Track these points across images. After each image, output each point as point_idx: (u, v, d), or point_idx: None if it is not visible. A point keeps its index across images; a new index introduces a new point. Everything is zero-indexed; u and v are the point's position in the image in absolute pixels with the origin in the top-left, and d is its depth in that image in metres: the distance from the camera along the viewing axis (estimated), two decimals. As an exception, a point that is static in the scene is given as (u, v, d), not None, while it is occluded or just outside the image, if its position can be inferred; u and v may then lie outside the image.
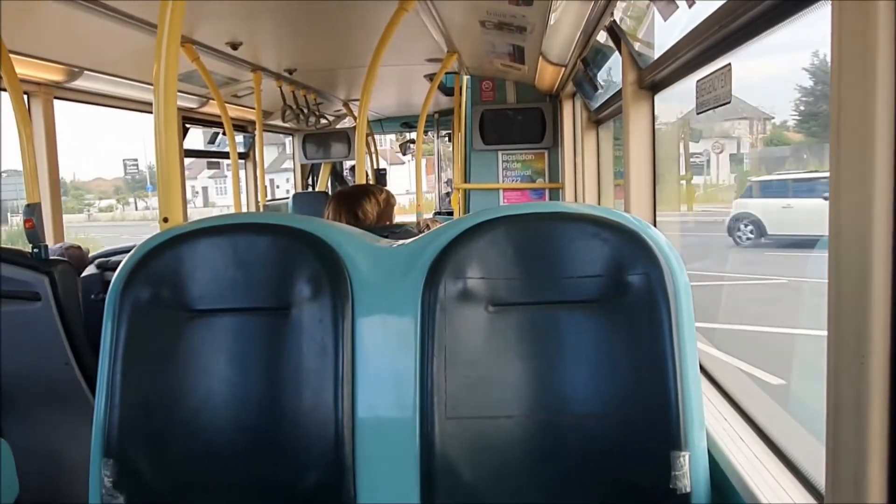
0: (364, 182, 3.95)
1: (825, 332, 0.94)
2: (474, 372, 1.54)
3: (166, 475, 1.58)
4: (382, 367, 1.57)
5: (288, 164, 9.70)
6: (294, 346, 1.59)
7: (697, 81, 1.91)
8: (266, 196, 6.54)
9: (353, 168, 7.77)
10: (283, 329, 1.60)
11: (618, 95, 3.23)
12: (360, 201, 2.62)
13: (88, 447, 1.58)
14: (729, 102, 1.74)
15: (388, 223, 2.64)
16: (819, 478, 1.35)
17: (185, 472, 1.59)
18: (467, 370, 1.54)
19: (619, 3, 2.55)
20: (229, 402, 1.59)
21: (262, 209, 5.87)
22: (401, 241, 1.72)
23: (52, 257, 2.81)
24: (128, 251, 1.72)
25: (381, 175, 8.22)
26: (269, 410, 1.58)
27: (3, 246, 2.80)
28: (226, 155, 6.08)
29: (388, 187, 3.54)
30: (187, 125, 5.55)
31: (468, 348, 1.54)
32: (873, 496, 0.87)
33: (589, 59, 3.58)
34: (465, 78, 5.83)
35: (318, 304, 1.58)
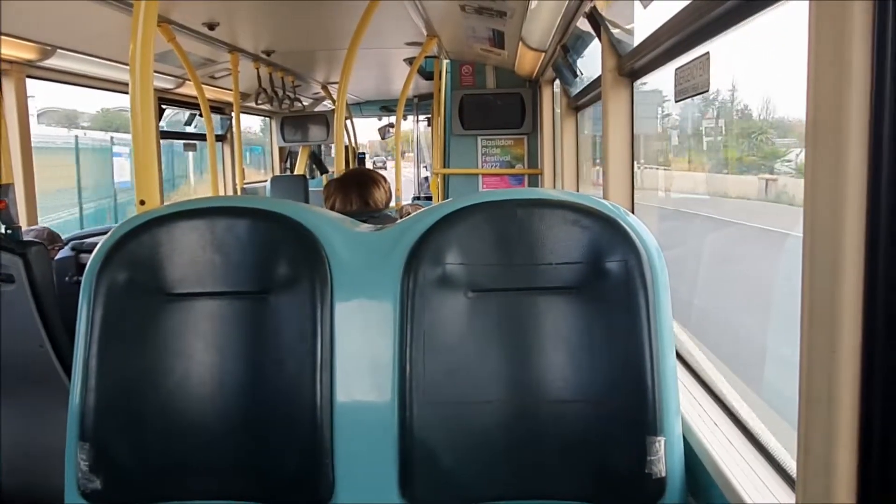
0: (342, 166, 3.94)
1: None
2: (453, 357, 1.54)
3: (143, 458, 1.57)
4: (361, 352, 1.57)
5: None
6: (273, 330, 1.58)
7: (676, 70, 1.91)
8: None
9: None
10: (261, 313, 1.59)
11: (597, 82, 3.23)
12: (371, 188, 2.57)
13: (64, 431, 1.57)
14: (707, 91, 1.75)
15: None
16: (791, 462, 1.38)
17: (161, 456, 1.58)
18: (446, 355, 1.54)
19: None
20: (207, 387, 1.59)
21: (239, 192, 5.82)
22: (380, 227, 1.71)
23: (26, 239, 2.77)
24: (103, 234, 1.70)
25: (360, 159, 8.18)
26: (247, 395, 1.58)
27: None
28: (202, 137, 6.01)
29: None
30: (163, 106, 5.47)
31: (447, 334, 1.55)
32: (842, 482, 0.89)
33: (569, 46, 3.58)
34: (445, 62, 5.80)
35: (297, 289, 1.58)
